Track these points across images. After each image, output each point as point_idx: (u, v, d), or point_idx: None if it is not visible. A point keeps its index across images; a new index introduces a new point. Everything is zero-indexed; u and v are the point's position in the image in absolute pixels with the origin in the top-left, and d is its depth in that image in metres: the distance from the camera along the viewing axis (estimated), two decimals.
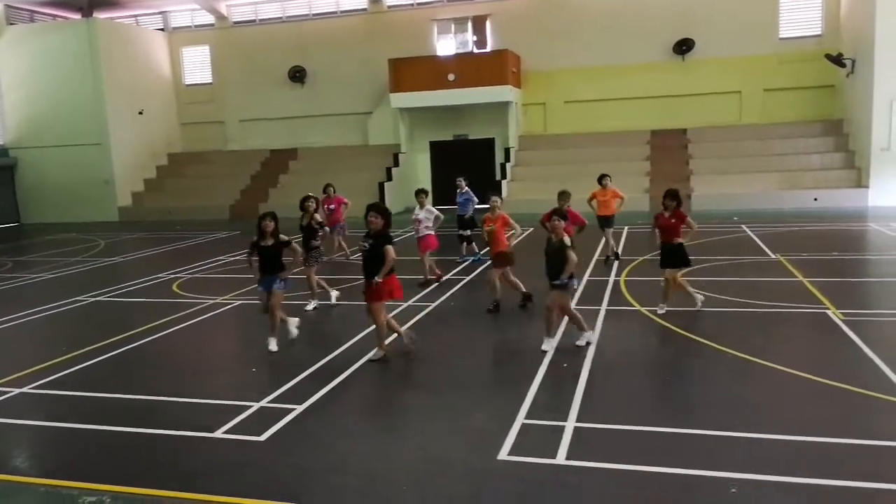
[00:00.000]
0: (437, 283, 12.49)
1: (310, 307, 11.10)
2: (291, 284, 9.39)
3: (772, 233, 17.18)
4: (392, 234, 8.35)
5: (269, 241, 8.72)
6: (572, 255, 8.06)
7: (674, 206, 9.77)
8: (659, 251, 10.01)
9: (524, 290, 10.58)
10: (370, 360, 8.24)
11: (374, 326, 8.39)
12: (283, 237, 8.81)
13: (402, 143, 27.94)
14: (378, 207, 8.16)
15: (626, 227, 18.16)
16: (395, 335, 8.63)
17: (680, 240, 9.77)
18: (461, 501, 5.12)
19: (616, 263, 13.68)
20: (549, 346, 8.33)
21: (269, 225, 8.68)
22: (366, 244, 8.09)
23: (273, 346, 8.84)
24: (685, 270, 10.26)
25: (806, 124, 24.93)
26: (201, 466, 5.81)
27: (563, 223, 8.32)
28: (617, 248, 14.42)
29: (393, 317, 10.26)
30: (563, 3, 26.84)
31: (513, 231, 10.57)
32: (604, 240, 14.32)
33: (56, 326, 11.09)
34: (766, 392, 6.95)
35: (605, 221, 14.02)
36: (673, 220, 9.75)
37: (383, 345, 8.31)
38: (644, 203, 23.37)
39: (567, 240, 8.22)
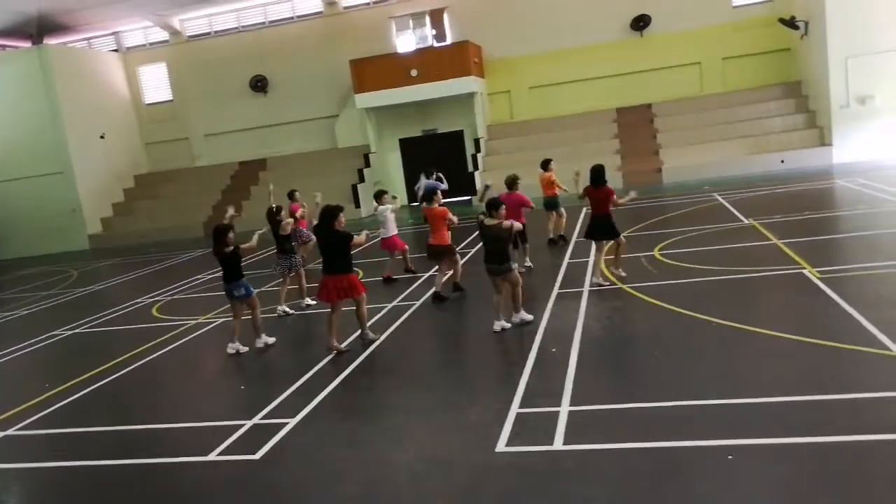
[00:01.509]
0: (391, 281, 12.67)
1: (305, 303, 11.66)
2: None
3: (743, 198, 17.37)
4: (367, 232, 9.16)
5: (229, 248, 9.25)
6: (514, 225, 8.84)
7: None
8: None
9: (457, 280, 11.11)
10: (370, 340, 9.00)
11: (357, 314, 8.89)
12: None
13: (371, 143, 27.84)
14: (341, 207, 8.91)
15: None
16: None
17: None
18: (463, 498, 5.14)
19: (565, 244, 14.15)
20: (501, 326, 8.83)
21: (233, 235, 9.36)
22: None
23: (268, 340, 9.53)
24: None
25: (766, 89, 25.21)
26: (198, 491, 5.77)
27: (503, 210, 8.76)
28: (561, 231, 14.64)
29: (379, 316, 10.29)
30: None
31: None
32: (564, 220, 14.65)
33: (36, 364, 10.92)
34: (752, 357, 7.04)
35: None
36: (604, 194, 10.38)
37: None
38: (617, 181, 23.52)
39: (518, 225, 9.06)
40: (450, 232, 10.93)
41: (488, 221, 8.68)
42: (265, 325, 9.87)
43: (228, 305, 12.66)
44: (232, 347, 9.44)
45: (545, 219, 14.45)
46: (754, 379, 6.44)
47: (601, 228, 10.42)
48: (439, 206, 10.97)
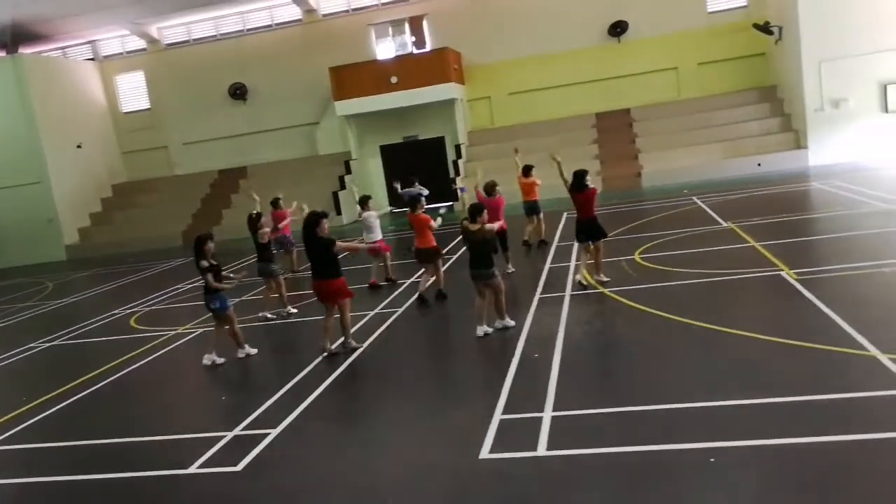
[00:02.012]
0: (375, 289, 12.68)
1: (285, 312, 11.63)
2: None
3: (721, 201, 17.54)
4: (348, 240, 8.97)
5: (215, 261, 9.20)
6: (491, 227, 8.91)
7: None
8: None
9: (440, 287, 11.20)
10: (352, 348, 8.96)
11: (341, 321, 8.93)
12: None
13: (352, 150, 27.79)
14: (325, 214, 9.02)
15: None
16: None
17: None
18: None
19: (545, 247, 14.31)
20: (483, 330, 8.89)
21: (212, 246, 9.25)
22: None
23: (249, 351, 9.49)
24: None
25: (742, 93, 25.50)
26: None
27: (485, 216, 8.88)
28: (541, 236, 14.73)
29: (363, 323, 10.26)
30: None
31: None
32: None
33: (12, 377, 10.75)
34: (732, 359, 7.09)
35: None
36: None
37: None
38: (597, 185, 23.53)
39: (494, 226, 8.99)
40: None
41: (472, 227, 8.72)
42: (247, 335, 9.81)
43: (209, 315, 12.64)
44: (208, 359, 9.33)
45: (525, 223, 14.49)
46: (734, 381, 6.49)
47: (589, 230, 10.48)
48: (423, 212, 11.10)
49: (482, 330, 8.82)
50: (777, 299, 9.04)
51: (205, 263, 9.01)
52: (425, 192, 15.01)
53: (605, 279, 10.65)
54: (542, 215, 14.50)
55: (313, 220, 8.77)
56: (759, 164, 22.85)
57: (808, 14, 22.01)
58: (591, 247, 10.59)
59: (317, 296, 9.02)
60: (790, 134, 23.78)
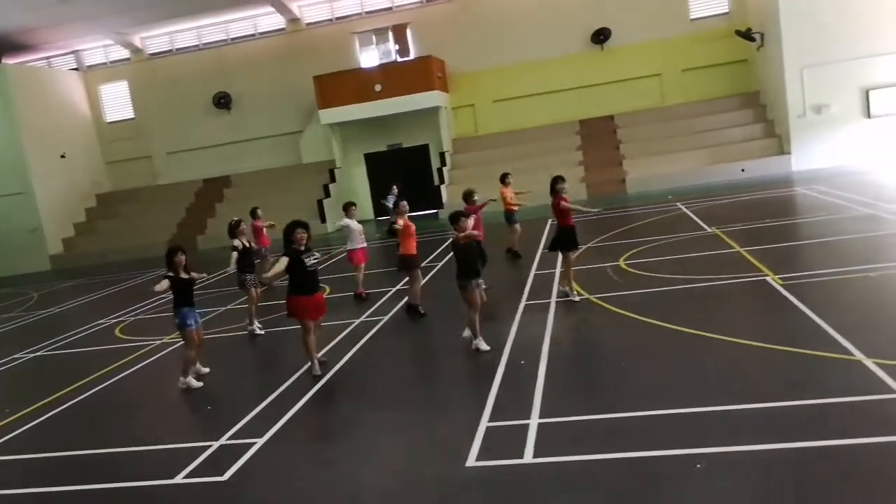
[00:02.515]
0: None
1: (258, 330, 11.26)
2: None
3: (705, 207, 17.65)
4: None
5: (184, 275, 8.69)
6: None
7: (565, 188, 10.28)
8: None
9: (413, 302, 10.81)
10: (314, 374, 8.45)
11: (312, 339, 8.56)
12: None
13: (336, 158, 27.78)
14: (305, 224, 8.52)
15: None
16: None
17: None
18: None
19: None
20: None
21: (183, 259, 8.71)
22: (314, 259, 8.37)
23: (191, 383, 8.77)
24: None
25: (725, 99, 25.73)
26: None
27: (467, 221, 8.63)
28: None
29: (347, 333, 10.23)
30: (480, 4, 27.10)
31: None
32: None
33: None
34: (718, 365, 7.12)
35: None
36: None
37: None
38: (581, 192, 23.79)
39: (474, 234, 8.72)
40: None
41: (462, 237, 8.47)
42: (233, 344, 9.75)
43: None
44: (182, 383, 8.84)
45: (507, 232, 14.40)
46: (721, 387, 6.51)
47: (562, 239, 10.25)
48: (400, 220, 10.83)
49: (476, 343, 8.50)
50: (762, 305, 9.10)
51: (170, 275, 8.63)
52: (390, 201, 14.83)
53: (565, 290, 10.37)
54: (517, 226, 14.27)
55: (285, 231, 8.40)
56: (742, 170, 23.04)
57: (789, 21, 22.26)
58: (572, 257, 10.38)
59: (308, 312, 8.40)
60: (773, 140, 24.00)
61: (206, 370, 9.21)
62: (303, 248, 8.29)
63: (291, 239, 8.30)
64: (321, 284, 8.72)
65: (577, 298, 10.16)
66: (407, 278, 11.01)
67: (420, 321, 10.51)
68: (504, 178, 14.31)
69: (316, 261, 8.44)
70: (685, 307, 9.32)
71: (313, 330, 8.52)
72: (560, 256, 10.78)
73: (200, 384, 8.82)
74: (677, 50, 25.89)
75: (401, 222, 10.52)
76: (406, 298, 11.01)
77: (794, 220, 15.02)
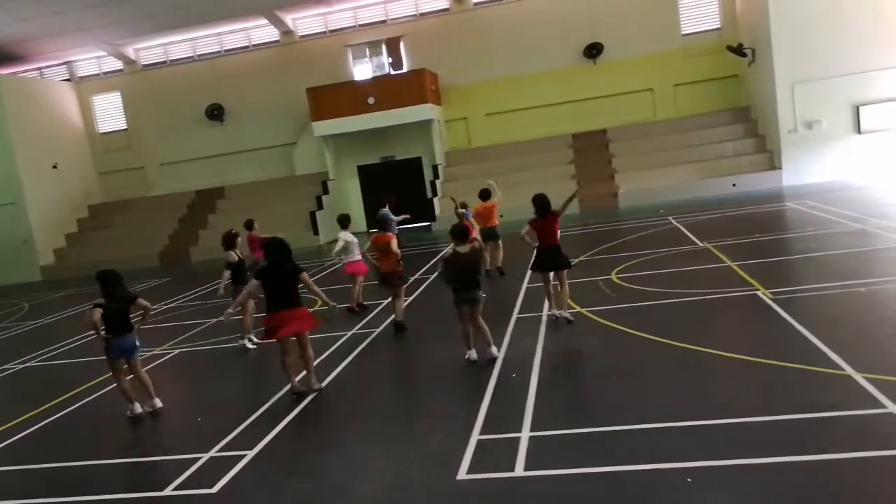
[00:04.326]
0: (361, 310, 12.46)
1: (250, 344, 11.09)
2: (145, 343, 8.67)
3: (697, 221, 17.74)
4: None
5: (116, 303, 8.11)
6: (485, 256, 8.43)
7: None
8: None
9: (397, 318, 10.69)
10: (317, 390, 8.25)
11: (303, 356, 8.38)
12: (129, 293, 8.31)
13: (329, 170, 27.83)
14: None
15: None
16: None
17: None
18: None
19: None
20: (495, 350, 8.56)
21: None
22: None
23: (137, 409, 8.31)
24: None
25: (716, 114, 25.94)
26: None
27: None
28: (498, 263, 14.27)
29: (338, 346, 10.21)
30: (473, 18, 27.30)
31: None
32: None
33: None
34: (710, 379, 7.14)
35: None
36: (556, 224, 9.88)
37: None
38: (574, 206, 23.84)
39: (477, 244, 8.60)
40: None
41: (461, 249, 8.38)
42: (224, 357, 9.67)
43: (186, 336, 12.53)
44: (137, 410, 8.38)
45: (493, 248, 14.01)
46: (712, 401, 6.52)
47: (553, 260, 9.87)
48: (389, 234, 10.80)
49: (472, 354, 8.48)
50: (754, 319, 9.12)
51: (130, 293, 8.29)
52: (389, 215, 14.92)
53: (558, 314, 9.89)
54: (500, 241, 14.06)
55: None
56: (734, 185, 23.19)
57: (780, 37, 22.49)
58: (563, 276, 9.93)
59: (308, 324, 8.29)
60: (764, 155, 24.18)
61: (158, 405, 8.50)
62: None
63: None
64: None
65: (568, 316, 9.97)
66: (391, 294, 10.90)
67: (409, 334, 10.50)
68: (486, 196, 14.01)
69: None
70: (676, 321, 9.34)
71: (292, 350, 8.22)
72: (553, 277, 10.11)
73: (140, 409, 8.31)
74: (669, 65, 26.11)
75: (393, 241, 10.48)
76: (392, 316, 10.90)
77: (784, 234, 15.10)
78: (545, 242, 9.83)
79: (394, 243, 10.44)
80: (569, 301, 10.09)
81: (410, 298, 13.05)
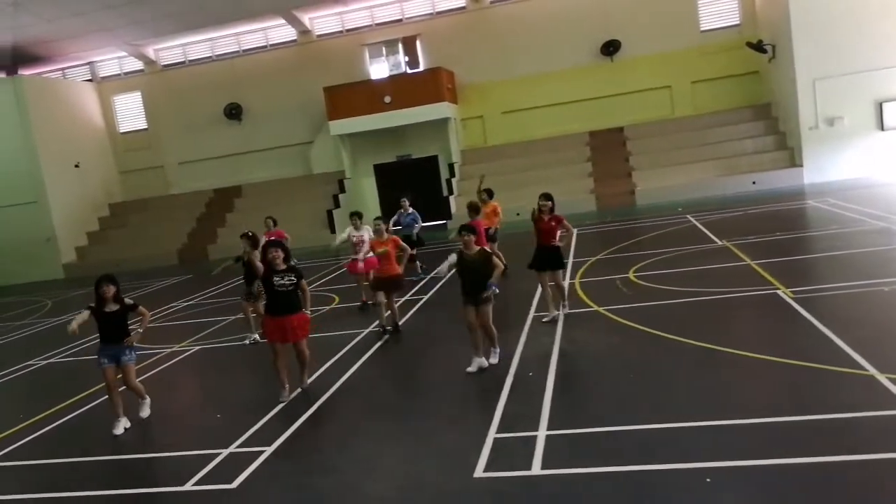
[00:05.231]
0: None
1: (248, 341, 11.21)
2: (137, 352, 8.41)
3: (716, 220, 17.60)
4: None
5: (113, 307, 7.91)
6: (500, 264, 8.18)
7: (549, 206, 9.85)
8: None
9: (398, 321, 10.73)
10: (304, 390, 8.35)
11: (297, 359, 8.40)
12: (128, 300, 8.06)
13: (345, 168, 27.91)
14: (280, 243, 8.36)
15: (574, 230, 18.34)
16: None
17: (557, 243, 9.87)
18: None
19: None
20: (479, 364, 8.21)
21: (110, 290, 7.84)
22: (288, 279, 8.02)
23: (146, 411, 8.26)
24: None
25: (736, 111, 25.68)
26: None
27: (472, 237, 8.28)
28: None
29: (354, 344, 10.24)
30: (490, 16, 27.24)
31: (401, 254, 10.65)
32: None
33: (10, 394, 10.73)
34: (728, 378, 7.08)
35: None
36: (553, 223, 9.83)
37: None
38: (591, 203, 23.83)
39: (487, 249, 8.36)
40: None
41: (467, 252, 8.21)
42: (238, 355, 9.74)
43: (204, 333, 12.63)
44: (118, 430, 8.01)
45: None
46: (731, 401, 6.47)
47: (547, 259, 9.91)
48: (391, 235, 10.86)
49: (477, 364, 8.23)
50: (774, 318, 9.03)
51: (129, 301, 8.09)
52: (419, 220, 15.11)
53: (555, 313, 9.99)
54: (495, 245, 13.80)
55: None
56: (753, 183, 22.96)
57: (800, 33, 22.22)
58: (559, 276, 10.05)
59: (272, 334, 8.18)
60: (785, 152, 23.92)
61: (138, 419, 8.24)
62: (280, 268, 8.06)
63: (266, 259, 8.18)
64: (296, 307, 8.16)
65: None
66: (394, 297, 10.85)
67: (423, 332, 10.53)
68: (492, 194, 13.92)
69: (289, 282, 8.01)
70: (695, 320, 9.28)
71: (283, 353, 8.15)
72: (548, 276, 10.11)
73: (122, 429, 7.93)
74: (687, 62, 25.89)
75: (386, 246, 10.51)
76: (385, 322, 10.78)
77: (805, 233, 14.95)
78: (543, 241, 9.89)
79: (401, 242, 10.63)
80: (565, 300, 10.24)
81: (425, 298, 13.07)
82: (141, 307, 8.19)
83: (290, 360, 8.29)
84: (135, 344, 8.11)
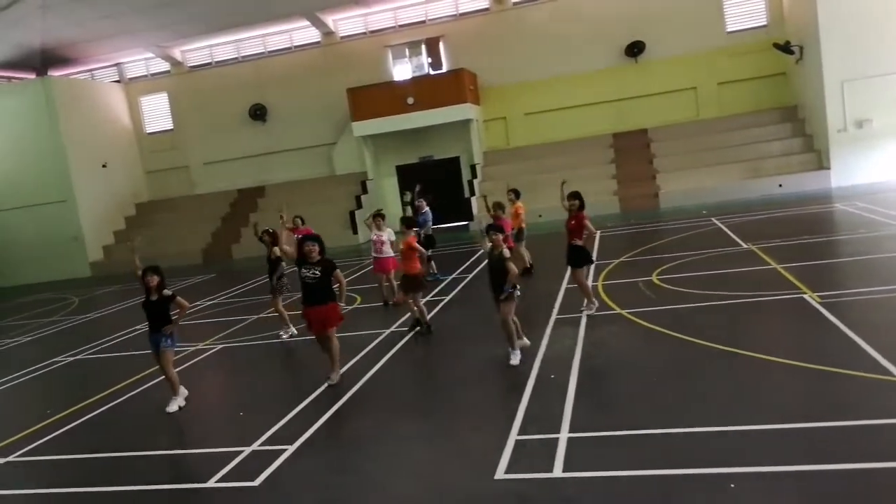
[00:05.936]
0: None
1: (285, 336, 11.48)
2: (178, 339, 8.95)
3: (741, 222, 17.42)
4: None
5: (154, 297, 8.44)
6: (512, 268, 8.22)
7: (577, 205, 10.09)
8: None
9: (426, 320, 10.72)
10: (330, 386, 8.49)
11: (328, 352, 8.68)
12: (166, 292, 8.47)
13: (368, 169, 28.01)
14: (315, 237, 8.63)
15: (598, 232, 18.24)
16: None
17: (579, 242, 10.04)
18: None
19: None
20: (517, 358, 8.43)
21: (153, 279, 8.40)
22: (313, 272, 8.37)
23: (174, 406, 8.51)
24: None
25: (762, 113, 25.38)
26: None
27: (500, 236, 8.42)
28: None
29: (376, 343, 10.28)
30: (513, 17, 27.19)
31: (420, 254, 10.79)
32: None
33: (38, 390, 10.91)
34: (753, 383, 7.00)
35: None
36: (573, 222, 10.06)
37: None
38: (614, 206, 23.69)
39: (506, 252, 8.41)
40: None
41: (497, 250, 8.36)
42: (264, 352, 9.83)
43: (228, 332, 12.74)
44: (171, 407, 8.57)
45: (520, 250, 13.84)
46: (756, 405, 6.40)
47: (568, 257, 10.26)
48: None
49: (516, 358, 8.43)
50: (800, 323, 8.93)
51: (168, 292, 8.54)
52: (430, 219, 15.13)
53: (584, 310, 10.33)
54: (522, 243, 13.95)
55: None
56: (780, 185, 22.69)
57: (828, 34, 21.92)
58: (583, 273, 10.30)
59: (308, 324, 8.71)
60: (812, 154, 23.60)
61: (172, 407, 8.59)
62: (314, 260, 8.42)
63: (301, 252, 8.54)
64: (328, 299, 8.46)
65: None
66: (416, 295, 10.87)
67: (446, 332, 10.53)
68: (518, 195, 14.02)
69: (314, 275, 8.37)
70: (719, 324, 9.18)
71: (323, 343, 8.67)
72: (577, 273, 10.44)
73: (177, 406, 8.54)
74: (713, 63, 25.64)
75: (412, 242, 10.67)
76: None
77: (833, 236, 14.74)
78: (569, 239, 10.22)
79: (414, 243, 10.72)
80: (592, 299, 10.46)
81: (449, 296, 13.08)
82: (179, 298, 8.53)
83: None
84: (173, 333, 8.49)
